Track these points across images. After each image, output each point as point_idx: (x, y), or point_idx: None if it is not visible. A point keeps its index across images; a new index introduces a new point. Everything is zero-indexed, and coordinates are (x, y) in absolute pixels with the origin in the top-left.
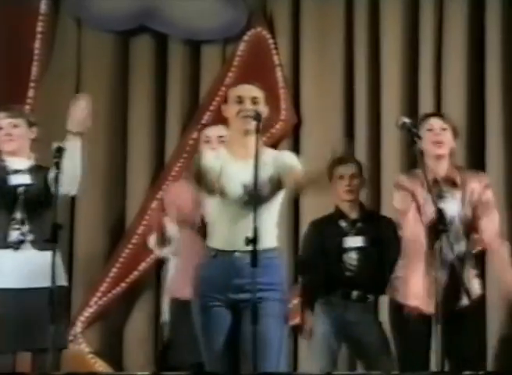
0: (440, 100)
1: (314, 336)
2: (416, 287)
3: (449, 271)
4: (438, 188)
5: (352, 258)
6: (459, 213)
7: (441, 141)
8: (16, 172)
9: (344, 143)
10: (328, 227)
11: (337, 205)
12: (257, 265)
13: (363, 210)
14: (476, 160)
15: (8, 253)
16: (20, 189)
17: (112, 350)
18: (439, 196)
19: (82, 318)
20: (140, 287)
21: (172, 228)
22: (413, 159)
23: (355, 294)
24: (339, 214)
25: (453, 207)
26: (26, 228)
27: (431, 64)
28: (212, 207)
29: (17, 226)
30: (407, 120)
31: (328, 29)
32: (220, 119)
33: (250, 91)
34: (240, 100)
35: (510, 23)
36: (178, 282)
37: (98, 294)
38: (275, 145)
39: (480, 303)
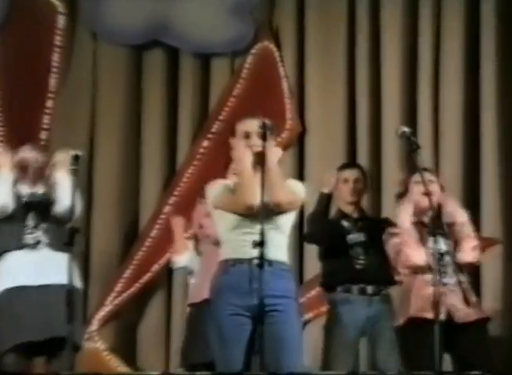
0: (438, 108)
1: (334, 329)
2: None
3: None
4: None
5: (358, 252)
6: (447, 249)
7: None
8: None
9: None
10: (332, 227)
11: (339, 208)
12: (263, 266)
13: (363, 212)
14: (471, 164)
15: (24, 252)
16: (35, 199)
17: (126, 347)
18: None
19: (98, 316)
20: (153, 288)
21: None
22: (412, 165)
23: (370, 288)
24: (341, 215)
25: (443, 245)
26: (39, 233)
27: (429, 77)
28: (228, 223)
29: (30, 231)
30: (406, 129)
31: (330, 42)
32: (229, 129)
33: (251, 126)
34: (247, 135)
35: (504, 36)
36: (198, 289)
37: (113, 294)
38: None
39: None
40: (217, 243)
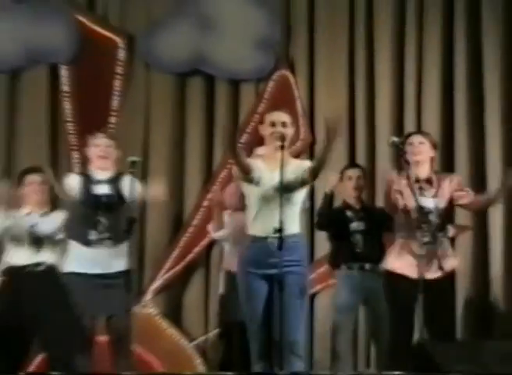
0: (420, 121)
1: (339, 298)
2: (403, 258)
3: (427, 250)
4: (419, 186)
5: (358, 238)
6: (434, 207)
7: (418, 152)
8: (99, 182)
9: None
10: (338, 216)
11: (344, 200)
12: (282, 248)
13: (363, 203)
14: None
15: (89, 247)
16: (101, 197)
17: (173, 312)
18: (420, 193)
19: (151, 288)
20: (195, 265)
21: (226, 218)
22: (400, 167)
23: (368, 266)
24: (346, 206)
25: (430, 202)
26: (103, 228)
27: (414, 98)
28: (252, 204)
29: (95, 227)
30: (395, 139)
31: (334, 71)
32: (254, 139)
33: (281, 116)
34: (273, 124)
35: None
36: (231, 259)
37: (163, 270)
38: (296, 158)
39: (451, 277)
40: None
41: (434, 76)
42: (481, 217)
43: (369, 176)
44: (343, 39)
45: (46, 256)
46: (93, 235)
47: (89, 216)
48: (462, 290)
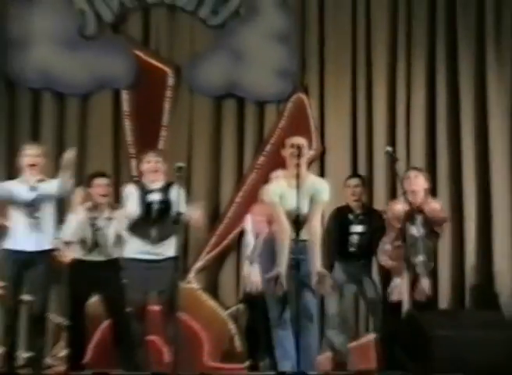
0: (409, 135)
1: (337, 285)
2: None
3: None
4: (412, 216)
5: (355, 238)
6: (421, 234)
7: (414, 183)
8: (151, 191)
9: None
10: (341, 218)
11: (348, 203)
12: (298, 244)
13: (364, 207)
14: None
15: (144, 237)
16: (154, 204)
17: (211, 287)
18: (411, 222)
19: (194, 267)
20: (228, 250)
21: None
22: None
23: (360, 262)
24: (348, 209)
25: (419, 230)
26: (156, 227)
27: (404, 116)
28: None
29: (150, 226)
30: (389, 149)
31: (340, 94)
32: (276, 150)
33: (298, 140)
34: (292, 146)
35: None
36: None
37: (203, 253)
38: (310, 164)
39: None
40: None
41: (420, 98)
42: (457, 213)
43: (368, 183)
44: (347, 69)
45: (109, 248)
46: (148, 232)
47: (145, 217)
48: (443, 270)
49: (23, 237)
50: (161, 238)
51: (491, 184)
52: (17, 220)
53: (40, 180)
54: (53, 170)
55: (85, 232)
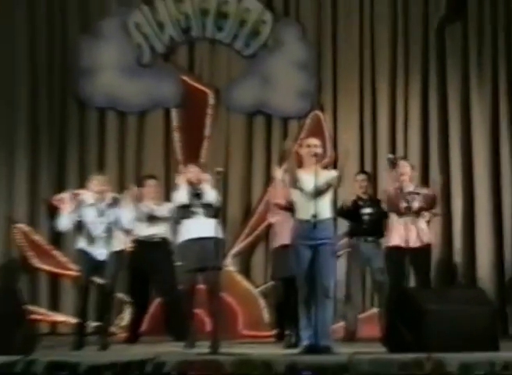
0: (406, 143)
1: (353, 261)
2: (395, 233)
3: (412, 228)
4: (408, 192)
5: (366, 218)
6: (418, 202)
7: (404, 172)
8: (196, 193)
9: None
10: (354, 205)
11: (357, 194)
12: (317, 227)
13: (369, 196)
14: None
15: (193, 220)
16: (199, 195)
17: (245, 269)
18: (408, 193)
19: (231, 253)
20: (258, 239)
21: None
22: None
23: (370, 238)
24: (358, 198)
25: (415, 201)
26: (200, 210)
27: (402, 128)
28: (297, 197)
29: (196, 210)
30: (390, 156)
31: (350, 111)
32: (297, 157)
33: (313, 141)
34: (308, 146)
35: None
36: (278, 238)
37: (238, 241)
38: (325, 169)
39: (427, 247)
40: (286, 209)
41: (416, 115)
42: (446, 205)
43: (373, 178)
44: (355, 91)
45: (160, 230)
46: (196, 221)
47: (192, 208)
48: (434, 255)
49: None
50: (204, 220)
51: (474, 188)
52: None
53: (109, 204)
54: (116, 179)
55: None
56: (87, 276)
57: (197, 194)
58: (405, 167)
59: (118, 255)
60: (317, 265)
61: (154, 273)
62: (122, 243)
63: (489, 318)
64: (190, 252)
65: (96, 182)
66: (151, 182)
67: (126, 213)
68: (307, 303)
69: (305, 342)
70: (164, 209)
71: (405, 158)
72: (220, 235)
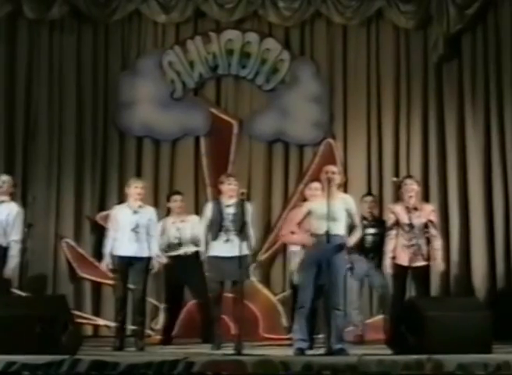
0: (409, 165)
1: (355, 274)
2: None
3: (414, 248)
4: (410, 211)
5: (369, 239)
6: (418, 222)
7: (410, 189)
8: (228, 206)
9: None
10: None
11: (362, 214)
12: (330, 241)
13: (374, 217)
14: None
15: (221, 240)
16: (229, 215)
17: (265, 279)
18: (411, 213)
19: (253, 265)
20: (277, 253)
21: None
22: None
23: (370, 255)
24: (363, 218)
25: (416, 220)
26: (231, 232)
27: (405, 152)
28: (313, 221)
29: (226, 230)
30: (395, 179)
31: (359, 140)
32: (311, 180)
33: (331, 168)
34: (326, 172)
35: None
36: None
37: (259, 255)
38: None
39: (427, 266)
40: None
41: (417, 142)
42: (444, 222)
43: (379, 200)
44: (363, 121)
45: (190, 246)
46: (224, 236)
47: (221, 226)
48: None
49: (128, 245)
50: (233, 240)
51: (469, 205)
52: (123, 233)
53: (141, 206)
54: (151, 199)
55: (170, 233)
56: (122, 281)
57: (234, 213)
58: (412, 185)
59: (148, 261)
60: (328, 278)
61: (188, 282)
62: (152, 250)
63: (483, 323)
64: (218, 266)
65: (137, 185)
66: (177, 197)
67: (155, 239)
68: (304, 311)
69: (296, 345)
70: (190, 227)
71: (410, 176)
72: (245, 251)
